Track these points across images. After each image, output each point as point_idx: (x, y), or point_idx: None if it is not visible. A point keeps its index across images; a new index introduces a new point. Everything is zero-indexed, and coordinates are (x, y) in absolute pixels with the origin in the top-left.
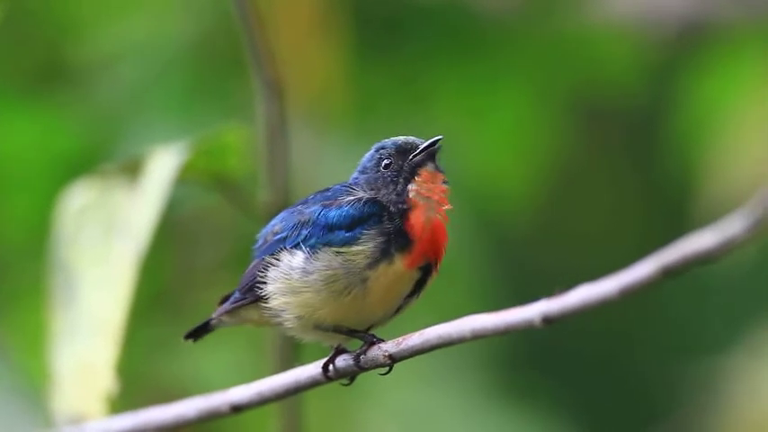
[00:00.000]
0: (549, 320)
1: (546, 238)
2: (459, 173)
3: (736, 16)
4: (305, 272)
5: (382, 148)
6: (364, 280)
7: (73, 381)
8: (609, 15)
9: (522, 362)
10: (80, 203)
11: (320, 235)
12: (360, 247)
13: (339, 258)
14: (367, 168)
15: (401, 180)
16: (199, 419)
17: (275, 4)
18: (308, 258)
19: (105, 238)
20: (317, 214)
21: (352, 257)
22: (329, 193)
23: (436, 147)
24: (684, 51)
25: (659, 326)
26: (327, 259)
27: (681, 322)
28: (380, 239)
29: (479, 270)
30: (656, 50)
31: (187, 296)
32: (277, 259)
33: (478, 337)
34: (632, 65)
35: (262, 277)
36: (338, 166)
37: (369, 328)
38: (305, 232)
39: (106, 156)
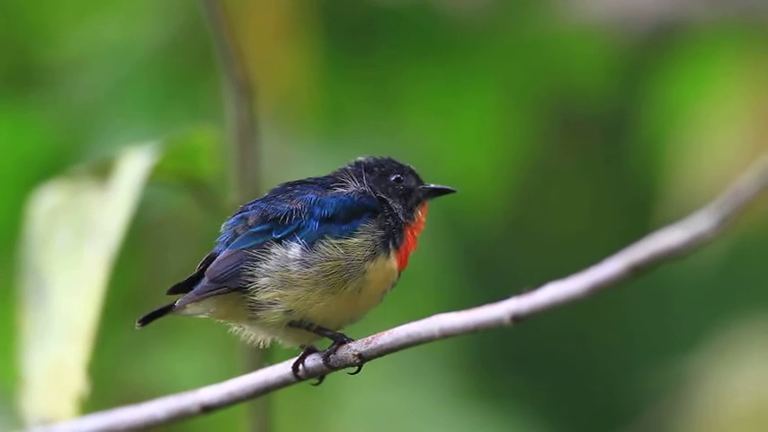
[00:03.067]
0: (518, 319)
1: (517, 238)
2: (428, 173)
3: (707, 17)
4: (304, 264)
5: (393, 162)
6: (362, 273)
7: (44, 382)
8: (580, 17)
9: (492, 363)
10: (50, 205)
11: (316, 226)
12: (359, 240)
13: (339, 250)
14: (373, 170)
15: (413, 200)
16: (169, 420)
17: (245, 6)
18: (305, 250)
19: (76, 240)
20: (310, 204)
21: (351, 250)
22: (315, 185)
23: (446, 192)
24: (655, 52)
25: (628, 327)
26: (327, 251)
27: (649, 324)
28: (380, 233)
29: (449, 270)
30: (627, 52)
31: (158, 298)
32: (266, 251)
33: (447, 335)
34: (603, 66)
35: (250, 269)
36: (308, 168)
37: (337, 328)
38: (297, 223)
39: (76, 157)
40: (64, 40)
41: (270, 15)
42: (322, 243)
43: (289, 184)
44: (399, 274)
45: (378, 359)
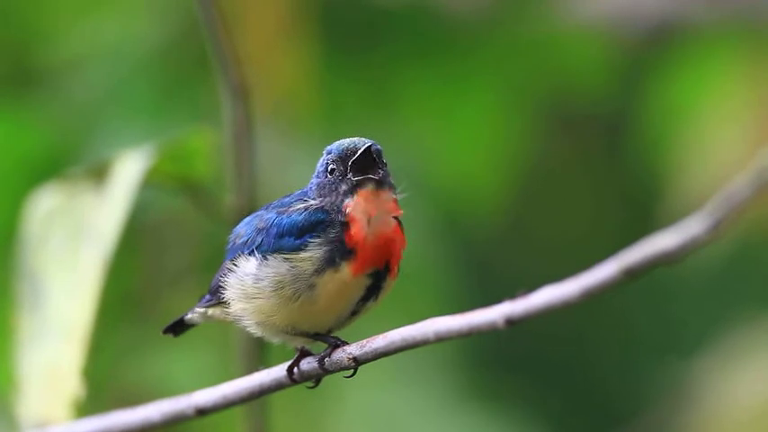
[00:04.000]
0: (512, 322)
1: (515, 239)
2: (426, 174)
3: (707, 17)
4: (257, 278)
5: (329, 153)
6: (312, 286)
7: (39, 385)
8: (580, 17)
9: (489, 363)
10: (47, 208)
11: (272, 242)
12: (306, 254)
13: (287, 264)
14: (318, 173)
15: (341, 190)
16: (164, 423)
17: (242, 8)
18: (259, 265)
19: (72, 243)
20: (271, 221)
21: (299, 264)
22: (287, 200)
23: (367, 156)
24: (655, 52)
25: (629, 328)
26: (276, 266)
27: (650, 325)
28: (326, 248)
29: (446, 272)
30: (627, 51)
31: (155, 300)
32: (235, 265)
33: (442, 339)
34: (603, 66)
35: (222, 282)
36: (305, 170)
37: (328, 332)
38: (260, 239)
39: (73, 159)
40: (61, 40)
41: (268, 16)
42: (273, 258)
43: (282, 197)
44: (390, 269)
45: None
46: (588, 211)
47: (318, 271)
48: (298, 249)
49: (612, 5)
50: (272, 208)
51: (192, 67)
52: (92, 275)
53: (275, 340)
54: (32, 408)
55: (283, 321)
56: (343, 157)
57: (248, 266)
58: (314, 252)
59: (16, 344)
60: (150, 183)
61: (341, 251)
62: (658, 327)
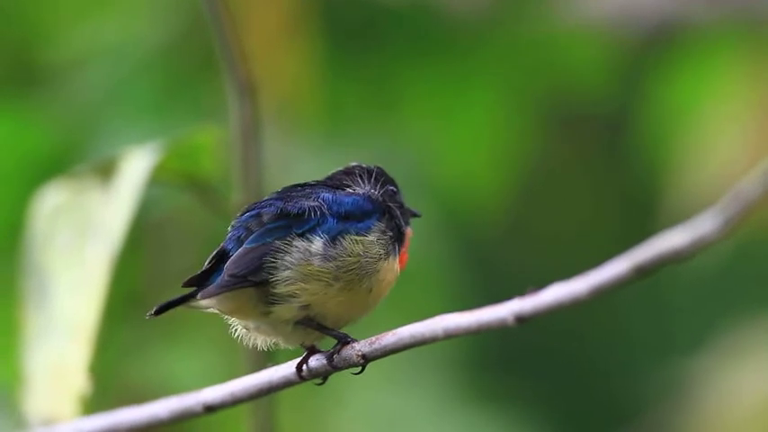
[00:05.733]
0: (521, 320)
1: (518, 238)
2: (429, 174)
3: (707, 17)
4: (326, 258)
5: (386, 175)
6: (376, 271)
7: (45, 382)
8: (580, 16)
9: (493, 363)
10: (52, 205)
11: (335, 223)
12: (373, 238)
13: (358, 246)
14: (369, 178)
15: (405, 213)
16: (171, 420)
17: (246, 7)
18: (327, 245)
19: (78, 240)
20: (328, 202)
21: (369, 246)
22: (324, 186)
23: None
24: (655, 52)
25: (629, 328)
26: (348, 246)
27: (651, 324)
28: (390, 234)
29: (451, 271)
30: (627, 51)
31: (160, 297)
32: (289, 245)
33: (451, 336)
34: (603, 66)
35: (272, 262)
36: (309, 168)
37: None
38: (317, 219)
39: (79, 157)
40: (65, 39)
41: (271, 16)
42: (343, 239)
43: (297, 185)
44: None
45: (380, 359)
46: (589, 209)
47: (384, 256)
48: (365, 232)
49: (612, 5)
50: (308, 191)
51: (197, 65)
52: (98, 273)
53: (282, 338)
54: (39, 405)
55: (336, 307)
56: (398, 191)
57: (314, 246)
58: (380, 237)
59: (22, 341)
60: (156, 180)
61: (400, 243)
62: (658, 326)
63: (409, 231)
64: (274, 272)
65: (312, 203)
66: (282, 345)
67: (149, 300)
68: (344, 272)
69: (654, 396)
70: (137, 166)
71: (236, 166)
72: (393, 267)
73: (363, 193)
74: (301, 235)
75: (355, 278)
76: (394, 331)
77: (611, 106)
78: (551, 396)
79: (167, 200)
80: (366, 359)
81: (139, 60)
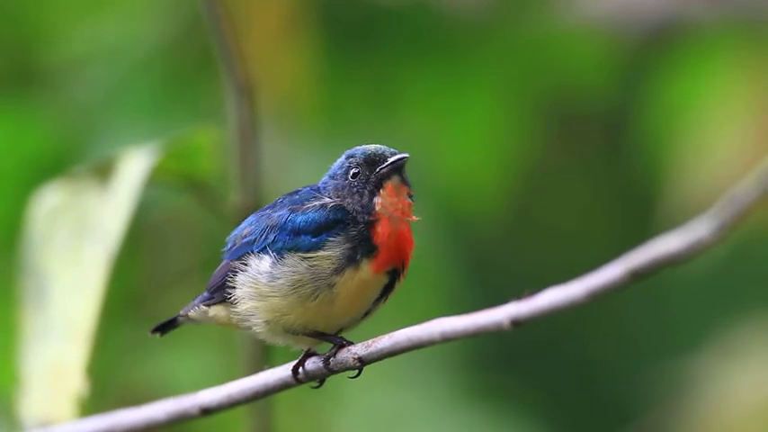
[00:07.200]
0: (517, 323)
1: (517, 238)
2: (429, 174)
3: (707, 17)
4: (272, 276)
5: (351, 157)
6: (331, 285)
7: (43, 383)
8: (580, 16)
9: (492, 363)
10: (51, 206)
11: (287, 240)
12: (326, 253)
13: (305, 263)
14: (336, 175)
15: (367, 191)
16: (168, 422)
17: (245, 7)
18: (275, 263)
19: (76, 241)
20: (284, 219)
21: (319, 263)
22: (297, 197)
23: (402, 162)
24: (655, 52)
25: (628, 328)
26: (294, 264)
27: (649, 324)
28: (347, 245)
29: (449, 272)
30: (627, 51)
31: (158, 299)
32: (245, 263)
33: (448, 339)
34: (604, 66)
35: (231, 281)
36: (308, 168)
37: (338, 332)
38: (272, 236)
39: (77, 158)
40: (64, 40)
41: (270, 16)
42: (289, 256)
43: (284, 195)
44: (404, 268)
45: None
46: (588, 209)
47: (338, 270)
48: (316, 248)
49: (613, 5)
50: (280, 206)
51: (195, 66)
52: (96, 273)
53: (278, 341)
54: (36, 406)
55: (297, 320)
56: (368, 161)
57: (262, 265)
58: (333, 250)
59: (20, 342)
60: (155, 181)
61: (364, 249)
62: (658, 326)
63: (384, 201)
64: (232, 291)
65: (274, 220)
66: (291, 346)
67: (147, 300)
68: (292, 288)
69: (654, 396)
70: (135, 167)
71: (235, 167)
72: (354, 277)
73: (327, 205)
74: (259, 252)
75: (306, 294)
76: (391, 334)
77: (610, 106)
78: (551, 396)
79: (166, 200)
80: (362, 362)
81: (138, 61)
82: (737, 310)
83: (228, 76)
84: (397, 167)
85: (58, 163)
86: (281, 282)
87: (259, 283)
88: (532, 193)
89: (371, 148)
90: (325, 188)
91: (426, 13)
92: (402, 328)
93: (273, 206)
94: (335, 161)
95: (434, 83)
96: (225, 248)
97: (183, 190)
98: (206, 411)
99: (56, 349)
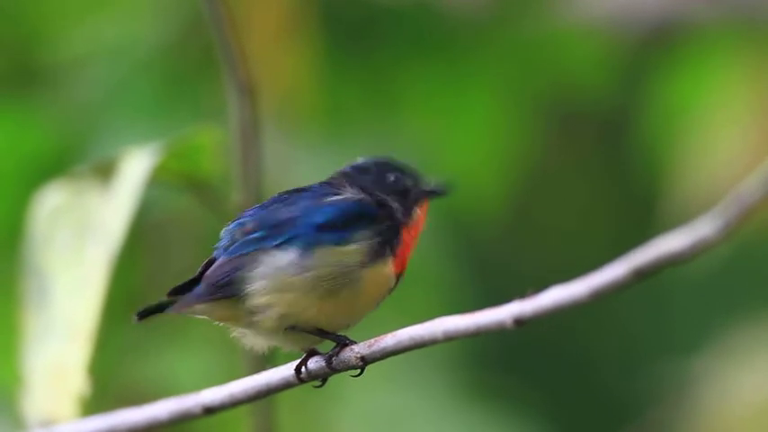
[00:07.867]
0: (520, 322)
1: (517, 238)
2: (429, 174)
3: (708, 16)
4: (299, 269)
5: (392, 163)
6: (357, 280)
7: (44, 383)
8: (580, 16)
9: (493, 362)
10: (52, 205)
11: (313, 233)
12: (354, 246)
13: (334, 257)
14: (370, 173)
15: (411, 199)
16: (171, 421)
17: (246, 7)
18: (301, 256)
19: (78, 240)
20: (307, 212)
21: (347, 256)
22: (311, 192)
23: (441, 194)
24: (655, 52)
25: (629, 327)
26: (322, 257)
27: (651, 324)
28: (377, 239)
29: (451, 271)
30: (627, 51)
31: (160, 298)
32: (263, 256)
33: (450, 338)
34: (604, 66)
35: (247, 274)
36: (309, 168)
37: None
38: (294, 230)
39: (78, 158)
40: (65, 39)
41: (271, 16)
42: (318, 249)
43: (287, 191)
44: (398, 278)
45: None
46: (588, 209)
47: (365, 264)
48: (345, 241)
49: (613, 5)
50: (292, 201)
51: (196, 66)
52: (98, 273)
53: (275, 341)
54: (38, 406)
55: (316, 315)
56: (412, 174)
57: (287, 258)
58: (362, 244)
59: (21, 342)
60: (156, 180)
61: (392, 245)
62: (659, 326)
63: (418, 216)
64: (249, 283)
65: (290, 214)
66: (283, 348)
67: (149, 300)
68: (320, 281)
69: (654, 396)
70: (136, 167)
71: (236, 167)
72: (380, 273)
73: (352, 199)
74: (277, 246)
75: (333, 287)
76: (393, 333)
77: (610, 106)
78: (551, 396)
79: (167, 200)
80: (365, 361)
81: (139, 60)
82: (739, 310)
83: (230, 76)
84: (434, 195)
85: (59, 163)
86: (308, 274)
87: (285, 275)
88: (532, 193)
89: (409, 164)
90: (339, 183)
91: (427, 12)
92: (404, 327)
93: (280, 201)
94: (342, 160)
95: (434, 83)
96: (219, 244)
97: (185, 190)
98: (209, 411)
99: (57, 349)
